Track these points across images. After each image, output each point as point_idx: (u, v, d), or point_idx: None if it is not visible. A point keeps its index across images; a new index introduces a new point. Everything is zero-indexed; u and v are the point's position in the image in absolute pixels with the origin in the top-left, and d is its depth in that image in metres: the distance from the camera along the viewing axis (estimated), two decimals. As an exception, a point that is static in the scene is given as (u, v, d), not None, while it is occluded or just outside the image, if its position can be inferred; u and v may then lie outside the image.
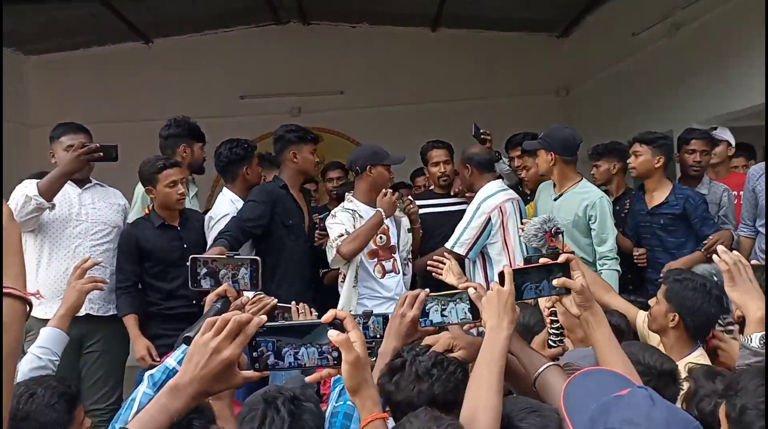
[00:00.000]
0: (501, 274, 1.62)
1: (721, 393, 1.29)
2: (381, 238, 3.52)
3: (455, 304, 1.69)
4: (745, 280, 1.70)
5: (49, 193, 3.12)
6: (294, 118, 7.77)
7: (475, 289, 1.71)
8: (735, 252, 1.79)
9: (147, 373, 1.58)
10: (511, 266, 1.68)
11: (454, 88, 7.58)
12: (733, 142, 4.26)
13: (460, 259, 3.49)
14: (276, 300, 2.22)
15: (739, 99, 4.76)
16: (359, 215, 3.47)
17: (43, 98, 7.35)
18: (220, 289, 1.70)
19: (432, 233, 4.02)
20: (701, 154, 3.86)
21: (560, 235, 2.70)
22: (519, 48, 7.73)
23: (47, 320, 3.13)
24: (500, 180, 3.78)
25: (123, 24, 6.88)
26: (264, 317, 1.20)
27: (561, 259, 1.60)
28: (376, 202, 3.47)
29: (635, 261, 3.78)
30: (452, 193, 4.22)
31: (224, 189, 3.73)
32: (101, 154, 3.09)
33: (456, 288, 1.78)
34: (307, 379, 1.27)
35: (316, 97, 7.72)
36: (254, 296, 2.18)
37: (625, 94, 6.50)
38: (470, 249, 3.53)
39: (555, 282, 1.57)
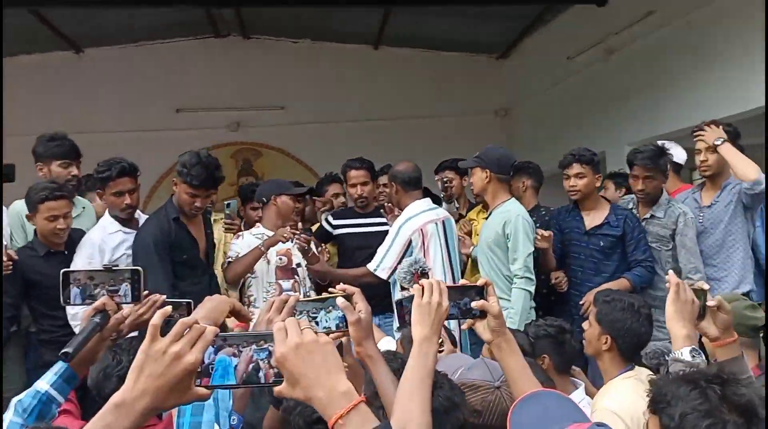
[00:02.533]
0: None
1: (650, 409, 1.28)
2: (281, 259, 3.62)
3: (326, 313, 1.56)
4: (685, 301, 1.74)
5: None
6: (232, 133, 7.66)
7: (350, 294, 1.57)
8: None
9: (14, 400, 1.42)
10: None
11: (398, 107, 7.63)
12: (677, 158, 3.94)
13: (384, 282, 3.54)
14: (165, 296, 2.11)
15: (668, 122, 4.95)
16: (267, 236, 3.60)
17: (-35, 107, 6.95)
18: (98, 302, 1.55)
19: (352, 254, 4.01)
20: (644, 180, 3.53)
21: (426, 275, 2.78)
22: (461, 68, 7.85)
23: None
24: (427, 199, 3.71)
25: (51, 32, 6.59)
26: (217, 328, 1.10)
27: (480, 282, 1.59)
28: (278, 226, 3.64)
29: (552, 284, 3.71)
30: (373, 211, 4.19)
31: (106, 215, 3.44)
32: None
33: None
34: (331, 336, 1.40)
35: (256, 111, 7.61)
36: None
37: (561, 115, 6.68)
38: (392, 272, 3.52)
39: (474, 304, 1.54)
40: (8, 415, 1.39)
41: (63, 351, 1.37)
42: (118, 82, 7.37)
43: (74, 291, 1.59)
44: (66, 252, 3.17)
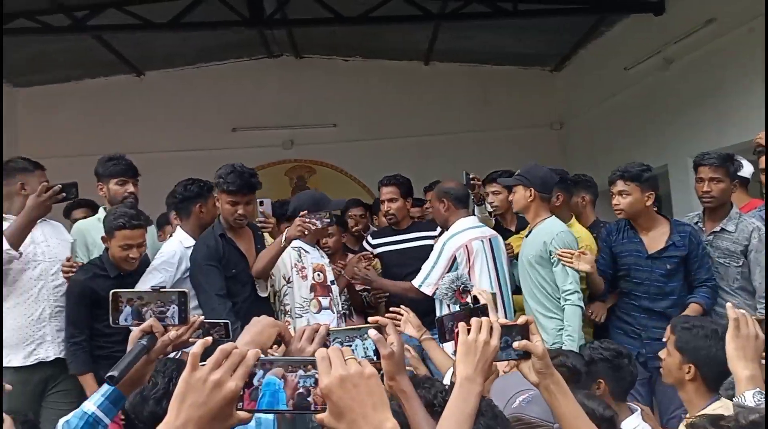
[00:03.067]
0: (477, 315, 1.51)
1: None
2: (318, 274, 3.59)
3: (362, 341, 1.50)
4: (747, 337, 1.61)
5: (17, 243, 2.96)
6: (286, 151, 7.76)
7: (383, 325, 1.54)
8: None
9: (61, 421, 1.43)
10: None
11: (448, 121, 7.58)
12: (743, 172, 3.68)
13: (428, 298, 3.51)
14: (203, 317, 2.10)
15: (733, 133, 4.73)
16: (305, 251, 3.60)
17: (33, 131, 7.27)
18: (145, 324, 1.55)
19: (392, 272, 3.97)
20: (710, 182, 3.33)
21: (469, 292, 2.71)
22: (513, 82, 7.75)
23: (11, 368, 3.01)
24: (473, 217, 3.70)
25: (114, 57, 6.86)
26: (259, 350, 1.10)
27: (520, 320, 1.51)
28: (316, 241, 3.67)
29: (592, 317, 3.52)
30: (409, 227, 4.16)
31: (177, 228, 3.60)
32: (64, 194, 2.95)
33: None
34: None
35: (308, 129, 7.69)
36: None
37: (618, 128, 6.49)
38: (437, 289, 3.46)
39: (516, 344, 1.45)
40: None
41: (109, 374, 1.38)
42: (176, 103, 7.60)
43: (126, 311, 1.60)
44: (135, 275, 3.23)
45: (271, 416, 1.40)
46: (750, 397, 1.51)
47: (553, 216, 3.52)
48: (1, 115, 3.70)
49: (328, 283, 3.66)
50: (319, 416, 1.06)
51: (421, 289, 3.51)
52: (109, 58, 6.88)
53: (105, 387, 1.44)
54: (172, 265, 3.33)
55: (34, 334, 3.12)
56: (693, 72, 5.31)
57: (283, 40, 7.18)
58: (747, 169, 3.74)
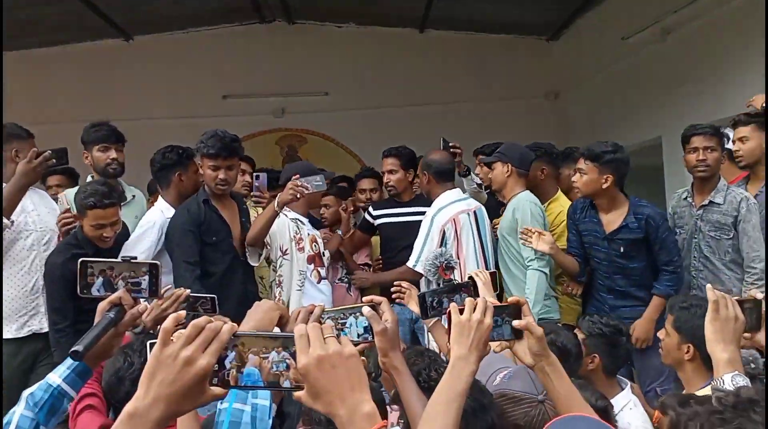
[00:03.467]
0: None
1: None
2: (315, 245, 3.61)
3: (355, 319, 1.50)
4: (726, 319, 1.58)
5: (8, 211, 2.91)
6: (278, 119, 7.67)
7: (377, 303, 1.53)
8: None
9: (26, 392, 1.38)
10: (462, 279, 1.57)
11: (444, 91, 7.49)
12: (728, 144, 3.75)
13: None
14: (189, 290, 2.07)
15: (730, 104, 4.68)
16: (301, 222, 3.59)
17: (21, 96, 7.13)
18: (113, 296, 1.50)
19: (391, 244, 3.97)
20: (705, 150, 3.32)
21: (453, 269, 2.72)
22: (509, 51, 7.64)
23: (4, 340, 2.98)
24: (458, 189, 3.66)
25: (103, 21, 6.70)
26: (235, 325, 1.07)
27: (511, 300, 1.51)
28: (309, 212, 3.67)
29: (564, 293, 3.56)
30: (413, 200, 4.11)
31: (159, 198, 3.56)
32: (54, 160, 2.89)
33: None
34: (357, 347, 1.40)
35: (300, 97, 7.59)
36: (163, 290, 2.03)
37: (615, 99, 6.44)
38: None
39: (516, 323, 1.45)
40: (19, 408, 1.36)
41: (73, 348, 1.34)
42: (166, 69, 7.46)
43: (97, 282, 1.56)
44: (113, 251, 3.13)
45: (267, 402, 1.39)
46: (729, 381, 1.49)
47: (527, 190, 3.56)
48: (2, 101, 3.59)
49: (322, 252, 3.67)
50: (296, 394, 1.04)
51: (416, 269, 3.47)
52: (97, 23, 6.71)
53: (69, 360, 1.40)
54: (152, 234, 3.28)
55: (27, 305, 3.09)
56: (691, 42, 5.24)
57: (276, 5, 7.03)
58: None
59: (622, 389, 2.47)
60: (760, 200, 3.31)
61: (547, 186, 3.78)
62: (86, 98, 7.16)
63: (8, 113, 6.53)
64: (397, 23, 7.41)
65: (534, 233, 3.34)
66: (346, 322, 1.49)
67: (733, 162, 3.74)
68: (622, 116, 6.18)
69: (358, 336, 1.49)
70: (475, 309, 1.39)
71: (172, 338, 1.02)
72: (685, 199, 3.55)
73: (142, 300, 1.58)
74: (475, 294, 1.52)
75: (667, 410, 1.75)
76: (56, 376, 1.40)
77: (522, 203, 3.46)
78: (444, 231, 3.48)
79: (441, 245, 3.43)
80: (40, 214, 3.22)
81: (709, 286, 1.68)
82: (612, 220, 3.34)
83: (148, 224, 3.31)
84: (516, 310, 1.47)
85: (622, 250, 3.30)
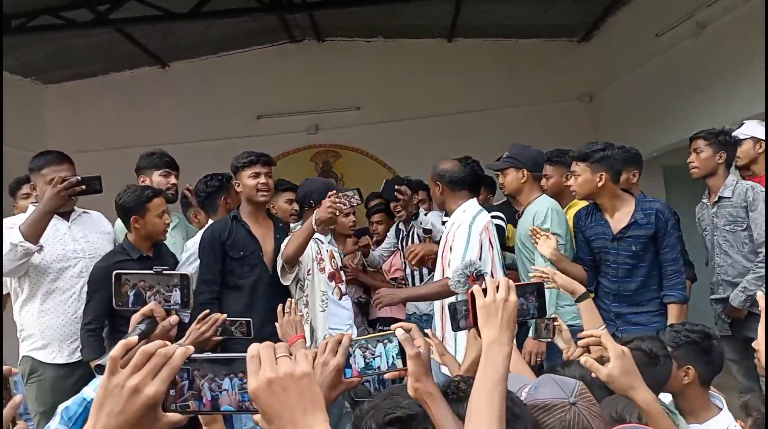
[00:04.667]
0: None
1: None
2: (334, 262, 3.59)
3: (384, 347, 1.44)
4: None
5: (34, 236, 2.92)
6: (311, 136, 7.74)
7: (407, 330, 1.46)
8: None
9: (61, 407, 1.39)
10: None
11: (475, 98, 7.45)
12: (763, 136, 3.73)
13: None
14: (225, 315, 2.07)
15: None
16: (320, 241, 3.56)
17: (62, 126, 7.39)
18: (145, 308, 1.50)
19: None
20: (695, 153, 3.47)
21: (482, 278, 2.61)
22: (539, 55, 7.57)
23: (55, 365, 3.07)
24: (475, 199, 3.50)
25: (138, 49, 6.90)
26: (191, 348, 1.02)
27: (533, 279, 1.50)
28: (327, 231, 3.59)
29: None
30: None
31: (209, 221, 3.67)
32: (83, 186, 2.88)
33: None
34: (386, 376, 1.42)
35: (332, 113, 7.65)
36: (200, 315, 2.05)
37: (651, 98, 6.30)
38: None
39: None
40: (54, 422, 1.36)
41: (97, 363, 1.35)
42: (201, 93, 7.62)
43: (131, 294, 1.57)
44: (156, 259, 3.21)
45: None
46: None
47: (544, 194, 3.50)
48: (2, 109, 3.69)
49: (340, 267, 3.71)
50: (255, 417, 1.00)
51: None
52: (133, 51, 6.93)
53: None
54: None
55: (77, 332, 3.13)
56: (727, 36, 5.10)
57: (305, 24, 7.12)
58: None
59: (720, 410, 2.24)
60: None
61: (568, 193, 3.64)
62: (125, 126, 7.37)
63: (50, 144, 6.79)
64: (425, 34, 7.42)
65: (542, 235, 3.26)
66: (375, 351, 1.44)
67: None
68: (657, 115, 6.04)
69: (389, 365, 1.44)
70: (497, 289, 1.39)
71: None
72: (703, 201, 3.61)
73: (174, 312, 1.58)
74: (538, 291, 1.52)
75: (752, 411, 1.69)
76: (90, 390, 1.41)
77: (543, 208, 3.36)
78: (481, 240, 3.30)
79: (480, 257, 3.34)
80: (89, 241, 3.26)
81: (760, 293, 1.64)
82: (619, 219, 3.24)
83: (193, 246, 3.46)
84: (539, 288, 1.48)
85: (633, 248, 3.19)
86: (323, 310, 3.42)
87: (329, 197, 3.20)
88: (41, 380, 3.04)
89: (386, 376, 1.48)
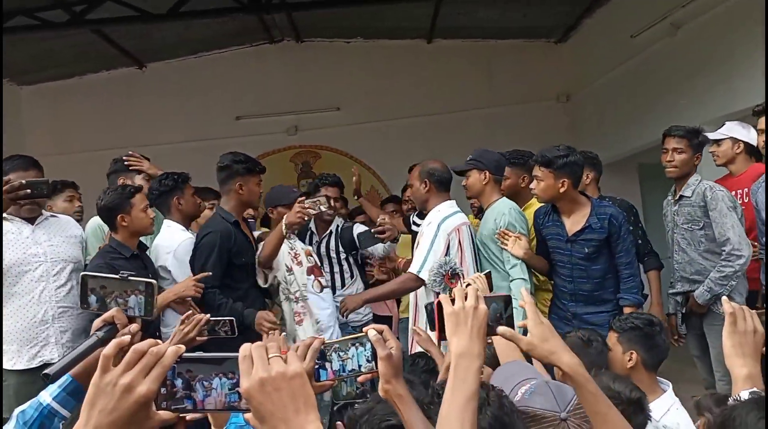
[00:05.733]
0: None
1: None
2: (310, 258, 3.72)
3: (356, 349, 1.43)
4: (745, 332, 1.49)
5: None
6: (291, 137, 7.73)
7: (379, 331, 1.43)
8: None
9: (17, 410, 1.37)
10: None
11: (454, 99, 7.51)
12: (748, 138, 3.80)
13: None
14: (209, 315, 2.08)
15: (744, 97, 4.64)
16: (291, 240, 3.69)
17: (40, 128, 7.29)
18: (107, 314, 1.47)
19: None
20: (673, 152, 3.46)
21: (458, 277, 2.63)
22: (517, 55, 7.64)
23: (16, 371, 2.97)
24: (453, 201, 3.59)
25: (115, 50, 6.83)
26: (182, 346, 1.03)
27: (501, 293, 1.47)
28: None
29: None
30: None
31: (166, 220, 3.60)
32: (28, 190, 2.75)
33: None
34: (359, 378, 1.40)
35: (312, 114, 7.65)
36: (185, 315, 2.05)
37: (627, 98, 6.39)
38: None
39: (520, 323, 1.42)
40: (10, 426, 1.35)
41: (44, 372, 1.34)
42: (179, 94, 7.58)
43: (92, 298, 1.55)
44: (140, 255, 3.24)
45: None
46: (745, 398, 1.39)
47: (504, 197, 3.57)
48: (1, 113, 3.63)
49: (319, 264, 3.82)
50: (246, 416, 1.01)
51: (421, 276, 3.33)
52: (110, 52, 6.86)
53: (64, 377, 1.39)
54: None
55: (37, 336, 3.06)
56: (701, 37, 5.20)
57: (284, 24, 7.11)
58: (752, 136, 3.72)
59: (664, 392, 2.39)
60: None
61: (525, 193, 3.75)
62: (103, 127, 7.29)
63: (27, 146, 6.69)
64: (405, 35, 7.46)
65: (511, 237, 3.34)
66: (348, 353, 1.44)
67: (748, 155, 3.78)
68: (634, 114, 6.13)
69: (360, 367, 1.43)
70: (467, 296, 1.31)
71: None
72: (668, 198, 3.66)
73: (138, 319, 1.55)
74: (506, 303, 1.47)
75: (703, 411, 1.72)
76: (47, 395, 1.39)
77: (503, 209, 3.43)
78: (449, 240, 3.38)
79: (445, 254, 3.37)
80: (53, 245, 3.18)
81: (724, 298, 1.63)
82: (575, 221, 3.31)
83: (178, 245, 3.43)
84: (507, 300, 1.41)
85: (586, 250, 3.27)
86: (302, 302, 3.56)
87: (298, 202, 3.35)
88: (6, 386, 2.98)
89: (359, 378, 1.46)
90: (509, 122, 7.27)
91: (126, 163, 3.74)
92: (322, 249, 4.10)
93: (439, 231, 3.37)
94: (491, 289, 2.34)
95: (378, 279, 4.33)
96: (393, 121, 7.50)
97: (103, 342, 1.43)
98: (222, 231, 3.31)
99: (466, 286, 1.37)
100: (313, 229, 4.14)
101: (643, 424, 1.87)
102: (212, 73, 7.58)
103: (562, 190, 3.23)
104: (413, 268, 3.36)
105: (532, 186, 3.39)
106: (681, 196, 3.49)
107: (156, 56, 7.43)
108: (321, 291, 3.70)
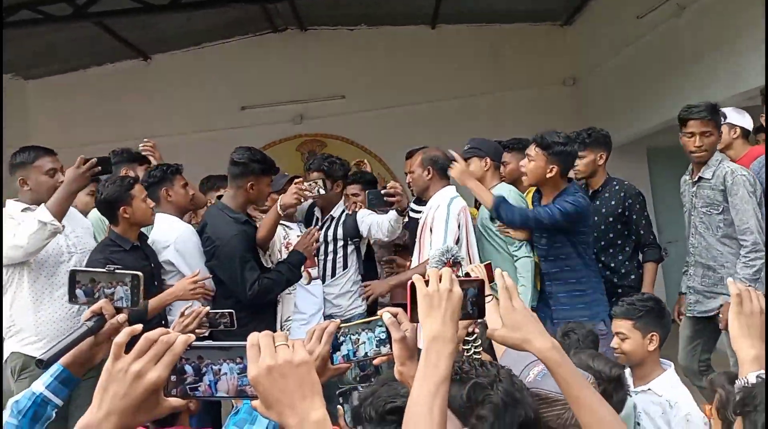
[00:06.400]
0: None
1: (738, 410, 1.15)
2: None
3: (368, 333, 1.43)
4: (751, 313, 1.47)
5: (60, 216, 2.96)
6: (296, 126, 7.73)
7: (394, 314, 1.41)
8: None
9: (11, 401, 1.40)
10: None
11: (460, 85, 7.46)
12: (743, 123, 3.79)
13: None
14: (208, 307, 2.10)
15: (751, 77, 4.59)
16: (288, 227, 3.78)
17: (46, 122, 7.32)
18: (95, 306, 1.51)
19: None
20: (702, 136, 3.28)
21: (459, 264, 2.63)
22: (523, 39, 7.58)
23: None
24: (453, 187, 3.63)
25: (119, 43, 6.84)
26: (192, 336, 1.07)
27: (474, 276, 1.45)
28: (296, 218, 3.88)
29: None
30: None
31: (158, 214, 3.53)
32: (99, 167, 2.97)
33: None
34: (374, 361, 1.41)
35: (317, 103, 7.63)
36: (184, 308, 2.08)
37: (634, 80, 6.34)
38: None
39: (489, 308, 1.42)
40: (5, 415, 1.38)
41: (38, 358, 1.37)
42: (185, 85, 7.58)
43: (79, 292, 1.58)
44: (145, 247, 3.24)
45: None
46: (753, 380, 1.36)
47: (503, 182, 3.67)
48: (1, 107, 3.67)
49: (313, 255, 3.78)
50: (253, 403, 1.04)
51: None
52: (114, 45, 6.87)
53: (54, 366, 1.42)
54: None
55: (72, 327, 3.13)
56: (707, 16, 5.13)
57: (287, 13, 7.08)
58: (747, 121, 3.70)
59: (665, 370, 2.46)
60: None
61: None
62: (109, 119, 7.31)
63: (34, 141, 6.68)
64: (408, 21, 7.41)
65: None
66: (363, 337, 1.44)
67: (745, 139, 3.77)
68: (641, 96, 6.08)
69: (376, 350, 1.44)
70: (441, 278, 1.27)
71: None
72: (686, 178, 3.57)
73: (125, 310, 1.58)
74: (481, 295, 1.44)
75: (716, 387, 1.73)
76: (40, 384, 1.42)
77: (504, 191, 3.49)
78: (459, 220, 3.43)
79: (457, 234, 3.40)
80: (78, 236, 3.26)
81: (730, 280, 1.61)
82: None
83: (194, 238, 3.43)
84: (480, 286, 1.37)
85: (545, 234, 3.35)
86: (289, 293, 3.56)
87: (295, 184, 3.36)
88: (34, 375, 3.02)
89: (375, 361, 1.48)
90: (515, 107, 7.23)
91: (142, 148, 3.75)
92: (322, 234, 4.08)
93: (450, 211, 3.41)
94: (491, 280, 2.33)
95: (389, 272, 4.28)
96: (398, 108, 7.47)
97: (92, 331, 1.47)
98: (240, 235, 3.32)
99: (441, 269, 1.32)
100: (318, 214, 4.12)
101: (623, 399, 1.94)
102: (216, 64, 7.57)
103: (549, 175, 3.25)
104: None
105: (522, 163, 3.39)
106: (700, 178, 3.36)
107: (160, 48, 7.43)
108: (309, 283, 3.72)
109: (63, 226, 3.00)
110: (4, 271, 3.09)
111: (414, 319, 1.29)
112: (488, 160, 3.63)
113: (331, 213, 3.96)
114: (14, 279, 3.10)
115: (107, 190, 3.10)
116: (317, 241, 3.47)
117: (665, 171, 6.50)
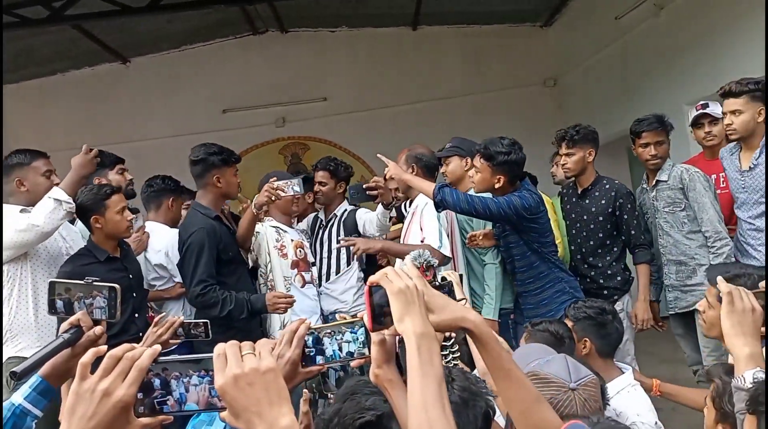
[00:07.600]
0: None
1: (749, 408, 1.16)
2: (300, 251, 3.72)
3: (351, 334, 1.40)
4: (743, 311, 1.49)
5: (72, 195, 3.03)
6: (279, 129, 7.69)
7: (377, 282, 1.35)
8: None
9: None
10: (457, 270, 1.50)
11: (440, 86, 7.49)
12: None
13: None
14: (182, 317, 2.09)
15: (726, 77, 4.63)
16: (283, 230, 3.75)
17: (23, 126, 7.20)
18: (73, 318, 1.52)
19: None
20: (656, 145, 3.50)
21: (432, 269, 2.66)
22: (503, 40, 7.62)
23: None
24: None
25: (97, 46, 6.76)
26: (158, 347, 1.06)
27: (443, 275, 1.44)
28: (292, 219, 3.89)
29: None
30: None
31: (148, 222, 3.65)
32: (98, 159, 3.16)
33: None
34: (352, 364, 1.36)
35: (299, 105, 7.60)
36: (158, 318, 2.08)
37: (614, 80, 6.40)
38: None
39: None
40: None
41: (11, 371, 1.37)
42: (165, 89, 7.52)
43: (58, 303, 1.58)
44: (121, 257, 3.17)
45: None
46: (749, 378, 1.39)
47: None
48: (2, 107, 3.63)
49: (308, 259, 3.78)
50: (222, 414, 1.02)
51: (442, 251, 3.33)
52: (92, 48, 6.79)
53: (33, 378, 1.42)
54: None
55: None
56: (685, 16, 5.20)
57: (267, 15, 7.04)
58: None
59: (622, 373, 2.46)
60: (758, 172, 3.28)
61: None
62: (88, 124, 7.22)
63: (11, 145, 6.58)
64: (389, 23, 7.41)
65: (478, 236, 3.43)
66: (343, 338, 1.41)
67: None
68: (622, 97, 6.14)
69: (355, 352, 1.40)
70: (410, 274, 1.22)
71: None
72: (643, 186, 3.69)
73: (103, 321, 1.59)
74: (451, 295, 1.43)
75: (713, 378, 1.75)
76: (19, 396, 1.41)
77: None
78: (447, 217, 3.48)
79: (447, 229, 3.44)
80: (73, 239, 3.26)
81: (720, 278, 1.62)
82: None
83: (174, 247, 3.43)
84: (450, 286, 1.37)
85: (500, 238, 3.43)
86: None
87: (269, 183, 3.35)
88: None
89: (352, 363, 1.44)
90: (496, 108, 7.26)
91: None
92: (325, 234, 4.06)
93: (438, 211, 3.41)
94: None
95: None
96: (380, 110, 7.47)
97: (69, 343, 1.47)
98: (207, 228, 3.25)
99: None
100: (321, 216, 4.13)
101: (601, 407, 1.96)
102: (197, 67, 7.52)
103: (497, 185, 3.27)
104: (434, 242, 3.34)
105: (470, 174, 3.44)
106: (657, 181, 3.53)
107: (139, 51, 7.35)
108: (303, 286, 3.69)
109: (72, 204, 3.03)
110: (5, 271, 3.05)
111: (376, 324, 1.23)
112: (468, 159, 3.59)
113: (334, 211, 4.02)
114: (15, 279, 3.04)
115: (83, 195, 3.06)
116: (291, 305, 3.30)
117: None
